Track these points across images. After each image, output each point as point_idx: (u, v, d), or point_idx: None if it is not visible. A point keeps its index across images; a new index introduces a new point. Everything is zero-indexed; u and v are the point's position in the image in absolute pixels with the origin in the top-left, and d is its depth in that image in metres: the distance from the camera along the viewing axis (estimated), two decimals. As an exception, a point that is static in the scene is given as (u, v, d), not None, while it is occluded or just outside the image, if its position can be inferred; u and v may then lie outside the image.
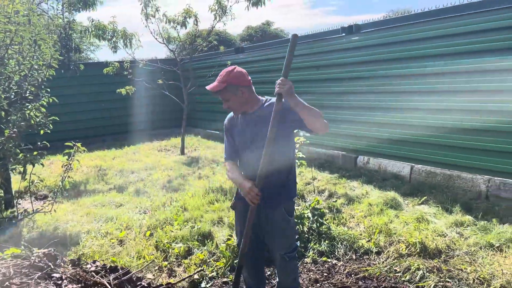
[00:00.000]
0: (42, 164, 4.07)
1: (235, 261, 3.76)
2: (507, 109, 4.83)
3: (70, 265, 2.00)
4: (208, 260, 3.88)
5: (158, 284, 2.50)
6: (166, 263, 3.85)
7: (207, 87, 2.53)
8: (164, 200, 5.77)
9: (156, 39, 9.27)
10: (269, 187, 2.50)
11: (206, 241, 4.25)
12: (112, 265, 2.38)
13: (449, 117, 5.47)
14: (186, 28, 8.91)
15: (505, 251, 3.75)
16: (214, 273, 3.64)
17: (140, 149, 9.92)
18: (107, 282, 1.75)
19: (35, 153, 4.02)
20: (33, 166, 3.91)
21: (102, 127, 11.63)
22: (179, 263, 3.89)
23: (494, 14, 4.92)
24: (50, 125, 4.15)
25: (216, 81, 2.51)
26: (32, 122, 4.14)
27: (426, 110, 5.74)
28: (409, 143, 6.03)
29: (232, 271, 3.70)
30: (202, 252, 4.00)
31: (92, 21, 8.91)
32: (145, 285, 2.09)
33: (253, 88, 2.58)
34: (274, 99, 2.49)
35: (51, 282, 1.59)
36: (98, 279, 1.74)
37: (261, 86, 9.30)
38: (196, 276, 3.51)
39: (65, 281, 1.64)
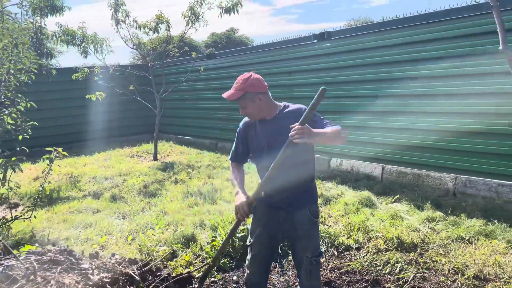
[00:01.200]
0: (21, 170, 3.99)
1: (221, 262, 3.84)
2: (472, 111, 5.16)
3: (89, 258, 2.02)
4: (194, 262, 3.93)
5: (178, 273, 2.54)
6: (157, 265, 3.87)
7: (224, 95, 2.48)
8: (142, 205, 5.75)
9: (127, 44, 9.21)
10: (293, 191, 2.51)
11: (190, 244, 4.29)
12: (131, 257, 2.40)
13: (417, 119, 5.77)
14: (158, 33, 8.91)
15: (475, 243, 4.01)
16: (202, 274, 3.68)
17: (112, 155, 9.77)
18: (132, 272, 1.78)
19: (13, 158, 3.94)
20: (14, 171, 3.83)
21: (70, 133, 11.34)
22: (165, 265, 3.91)
23: (458, 22, 5.25)
24: (29, 130, 4.08)
25: (233, 89, 2.48)
26: (9, 127, 4.05)
27: (396, 113, 6.02)
28: (380, 144, 6.30)
29: (220, 271, 3.77)
30: (187, 254, 4.05)
31: (61, 26, 8.76)
32: (165, 275, 2.14)
33: (269, 93, 2.53)
34: (292, 106, 2.54)
35: (75, 275, 1.62)
36: (124, 269, 1.77)
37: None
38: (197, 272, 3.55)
39: (95, 270, 1.66)
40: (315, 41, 7.31)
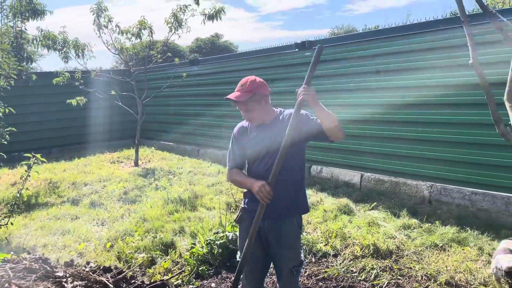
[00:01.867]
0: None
1: (200, 269, 3.87)
2: (446, 121, 5.31)
3: (64, 266, 2.01)
4: (173, 269, 3.94)
5: (152, 281, 2.55)
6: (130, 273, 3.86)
7: (230, 97, 2.45)
8: (122, 212, 5.72)
9: (109, 49, 9.18)
10: (282, 199, 2.46)
11: (169, 251, 4.29)
12: (106, 265, 2.41)
13: (395, 128, 5.90)
14: (141, 39, 8.91)
15: (448, 250, 4.12)
16: (180, 281, 3.70)
17: (92, 161, 9.68)
18: (106, 280, 1.80)
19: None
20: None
21: (50, 138, 11.19)
22: (143, 272, 3.91)
23: (437, 34, 5.40)
24: (7, 136, 4.04)
25: (239, 91, 2.45)
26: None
27: (374, 122, 6.14)
28: (359, 152, 6.41)
29: (198, 278, 3.78)
30: (166, 261, 4.05)
31: (41, 30, 8.69)
32: (139, 282, 2.15)
33: None
34: (289, 110, 2.54)
35: (49, 283, 1.62)
36: (98, 277, 1.78)
37: (214, 98, 9.48)
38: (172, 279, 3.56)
39: (69, 279, 1.67)
40: (297, 49, 7.41)
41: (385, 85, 5.99)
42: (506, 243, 3.71)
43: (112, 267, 2.29)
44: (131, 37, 8.79)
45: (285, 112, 2.60)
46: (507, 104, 3.47)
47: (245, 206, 2.64)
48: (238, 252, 2.72)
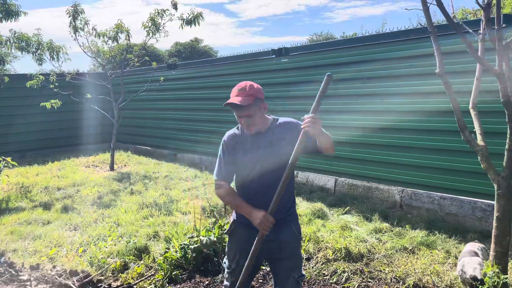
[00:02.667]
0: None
1: (173, 273, 3.86)
2: (417, 128, 5.46)
3: (29, 270, 1.99)
4: (146, 274, 3.92)
5: (119, 284, 2.54)
6: (97, 276, 3.83)
7: (234, 101, 2.28)
8: (95, 216, 5.66)
9: (85, 52, 9.08)
10: (280, 210, 2.36)
11: (142, 255, 4.27)
12: (72, 269, 2.39)
13: (368, 134, 6.03)
14: (117, 42, 8.85)
15: (417, 253, 4.24)
16: (152, 286, 3.69)
17: (66, 165, 9.52)
18: (72, 283, 1.79)
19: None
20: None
21: (24, 142, 10.96)
22: (116, 277, 3.88)
23: (410, 43, 5.56)
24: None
25: (241, 96, 2.30)
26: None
27: (348, 128, 6.26)
28: (333, 157, 6.51)
29: (171, 283, 3.78)
30: (139, 266, 4.03)
31: (15, 33, 8.53)
32: (106, 286, 2.14)
33: None
34: (282, 119, 2.48)
35: (14, 286, 1.60)
36: (63, 281, 1.77)
37: (193, 103, 9.48)
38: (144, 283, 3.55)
39: (33, 282, 1.65)
40: (274, 56, 7.50)
41: (359, 92, 6.12)
42: (471, 245, 3.86)
43: (79, 271, 2.27)
44: (107, 40, 8.74)
45: (279, 120, 2.48)
46: (472, 112, 3.62)
47: (236, 218, 2.54)
48: (226, 260, 2.62)
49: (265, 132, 2.41)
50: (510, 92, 3.14)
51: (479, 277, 3.21)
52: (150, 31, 8.54)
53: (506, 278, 3.16)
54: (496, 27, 3.14)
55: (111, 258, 4.24)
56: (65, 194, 6.90)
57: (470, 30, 3.57)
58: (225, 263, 2.63)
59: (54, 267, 2.21)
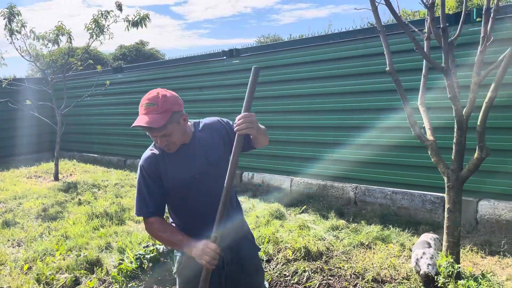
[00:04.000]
0: None
1: (129, 285, 3.68)
2: (367, 126, 5.59)
3: None
4: (99, 288, 3.71)
5: None
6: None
7: (142, 124, 1.85)
8: (41, 230, 5.30)
9: (23, 56, 8.54)
10: (230, 225, 2.04)
11: (95, 269, 4.04)
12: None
13: (321, 133, 6.12)
14: (58, 45, 8.40)
15: (373, 248, 4.32)
16: (107, 300, 3.49)
17: (5, 176, 8.89)
18: None
19: None
20: None
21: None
22: (65, 295, 3.64)
23: (356, 43, 5.69)
24: None
25: (151, 113, 1.87)
26: None
27: (301, 127, 6.32)
28: (289, 157, 6.55)
29: (127, 296, 3.59)
30: (91, 280, 3.81)
31: None
32: None
33: None
34: (204, 120, 2.15)
35: None
36: None
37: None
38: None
39: None
40: (225, 57, 7.43)
41: (310, 92, 6.19)
42: (425, 236, 3.98)
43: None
44: (47, 43, 8.28)
45: (201, 124, 2.13)
46: (421, 108, 3.74)
47: (182, 253, 2.08)
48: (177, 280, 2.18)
49: (190, 142, 2.03)
50: (456, 88, 3.27)
51: (433, 273, 3.29)
52: (93, 33, 8.17)
53: (459, 267, 3.29)
54: (441, 26, 3.26)
55: (60, 274, 3.98)
56: (6, 208, 6.42)
57: (416, 29, 3.70)
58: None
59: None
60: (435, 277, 3.23)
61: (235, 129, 1.89)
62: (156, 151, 2.03)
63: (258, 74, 1.99)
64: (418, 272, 3.47)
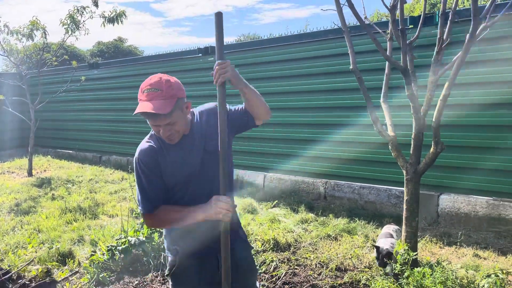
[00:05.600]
0: None
1: (100, 276, 3.75)
2: (336, 123, 5.77)
3: None
4: (71, 279, 3.77)
5: (41, 280, 2.43)
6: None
7: (148, 110, 1.69)
8: (13, 224, 5.30)
9: (-5, 50, 8.44)
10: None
11: (67, 261, 4.10)
12: None
13: (292, 129, 6.28)
14: (33, 40, 8.34)
15: (339, 239, 4.51)
16: (79, 290, 3.57)
17: (-23, 172, 8.77)
18: None
19: None
20: None
21: None
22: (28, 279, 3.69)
23: (329, 42, 5.87)
24: None
25: (155, 99, 1.72)
26: None
27: (274, 124, 6.46)
28: (262, 154, 6.69)
29: (99, 286, 3.67)
30: (63, 272, 3.87)
31: None
32: (27, 282, 2.05)
33: None
34: (201, 107, 2.04)
35: None
36: None
37: (117, 103, 9.19)
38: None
39: None
40: (200, 55, 7.52)
41: (284, 90, 6.35)
42: (387, 228, 4.18)
43: (-4, 268, 2.16)
44: (21, 38, 8.21)
45: (200, 109, 2.04)
46: (383, 106, 3.93)
47: (176, 247, 1.94)
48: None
49: (189, 133, 1.91)
50: (414, 87, 3.47)
51: (390, 250, 3.51)
52: (69, 28, 8.15)
53: (416, 254, 3.49)
54: (400, 27, 3.45)
55: (32, 265, 4.02)
56: (-23, 203, 6.37)
57: (380, 31, 3.90)
58: None
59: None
60: (392, 261, 3.43)
61: (214, 81, 1.80)
62: (153, 144, 1.88)
63: (221, 19, 1.83)
64: (378, 256, 3.65)
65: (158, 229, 4.02)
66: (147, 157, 1.86)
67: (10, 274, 2.06)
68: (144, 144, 1.90)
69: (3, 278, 1.87)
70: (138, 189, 1.89)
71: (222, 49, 1.83)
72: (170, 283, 2.02)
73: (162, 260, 3.94)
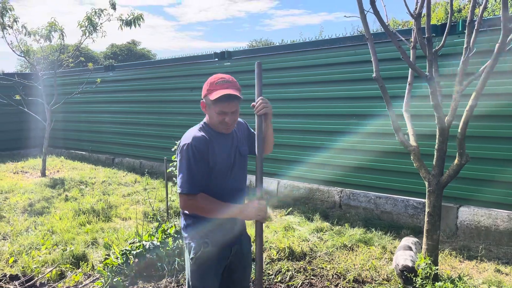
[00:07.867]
0: None
1: (114, 280, 3.71)
2: (353, 131, 5.70)
3: None
4: (84, 282, 3.74)
5: (66, 286, 2.38)
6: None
7: (233, 93, 2.05)
8: (27, 225, 5.30)
9: (14, 51, 8.52)
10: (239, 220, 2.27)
11: (80, 263, 4.08)
12: (12, 273, 2.21)
13: (308, 137, 6.21)
14: (50, 42, 8.40)
15: (356, 250, 4.42)
16: (92, 294, 3.53)
17: (-9, 171, 8.83)
18: (13, 287, 1.65)
19: None
20: None
21: None
22: (52, 287, 3.66)
23: (346, 50, 5.81)
24: None
25: (231, 88, 2.08)
26: None
27: (290, 131, 6.41)
28: (276, 160, 6.63)
29: (112, 290, 3.63)
30: (77, 274, 3.84)
31: None
32: None
33: None
34: None
35: None
36: (4, 285, 1.63)
37: (132, 105, 9.21)
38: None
39: None
40: (216, 59, 7.50)
41: (300, 96, 6.29)
42: (406, 240, 4.09)
43: (20, 275, 2.12)
44: (39, 39, 8.28)
45: None
46: (405, 115, 3.86)
47: (207, 240, 2.17)
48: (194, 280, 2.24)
49: (233, 131, 2.28)
50: (439, 96, 3.39)
51: (410, 265, 3.42)
52: (86, 30, 8.20)
53: (437, 269, 3.40)
54: (426, 35, 3.38)
55: (46, 267, 4.00)
56: (-9, 202, 6.40)
57: (403, 38, 3.82)
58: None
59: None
60: (412, 275, 3.34)
61: (255, 110, 2.16)
62: (204, 134, 2.14)
63: (261, 68, 2.22)
64: (399, 275, 3.57)
65: (177, 226, 3.98)
66: (200, 144, 2.08)
67: (33, 281, 2.03)
68: (197, 132, 2.14)
69: (26, 285, 1.83)
70: (184, 171, 2.07)
71: (261, 89, 2.25)
72: (191, 268, 2.21)
73: (176, 266, 3.89)
